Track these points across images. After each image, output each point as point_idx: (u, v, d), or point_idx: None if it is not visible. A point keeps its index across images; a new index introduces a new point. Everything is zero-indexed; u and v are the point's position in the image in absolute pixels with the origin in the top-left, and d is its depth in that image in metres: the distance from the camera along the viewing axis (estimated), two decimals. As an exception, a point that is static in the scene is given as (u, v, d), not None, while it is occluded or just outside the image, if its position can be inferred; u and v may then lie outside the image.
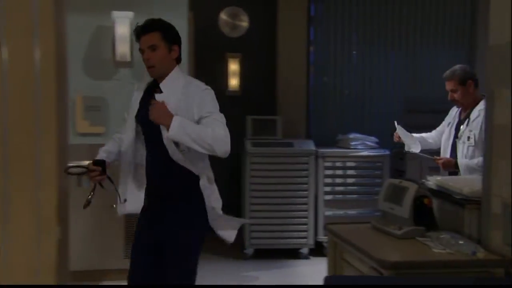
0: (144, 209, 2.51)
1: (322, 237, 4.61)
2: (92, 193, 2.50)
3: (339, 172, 4.78)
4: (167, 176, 2.40)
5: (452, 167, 3.32)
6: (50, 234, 2.65)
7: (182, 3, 4.03)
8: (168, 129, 2.22)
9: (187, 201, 2.42)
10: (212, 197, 2.49)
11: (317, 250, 4.69)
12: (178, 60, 2.46)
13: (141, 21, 3.83)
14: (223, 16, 5.25)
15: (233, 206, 5.11)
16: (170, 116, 2.23)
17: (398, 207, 2.46)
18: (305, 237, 4.70)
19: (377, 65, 5.38)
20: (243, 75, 5.26)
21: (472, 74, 3.37)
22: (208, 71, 5.12)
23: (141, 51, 2.41)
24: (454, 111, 3.52)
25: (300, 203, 4.69)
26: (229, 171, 5.19)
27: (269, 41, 5.29)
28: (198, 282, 3.95)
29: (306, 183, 4.68)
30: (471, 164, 3.18)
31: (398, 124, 3.67)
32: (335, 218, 4.51)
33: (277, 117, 5.05)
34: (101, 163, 2.45)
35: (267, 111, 5.21)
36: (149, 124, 2.33)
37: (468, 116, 3.33)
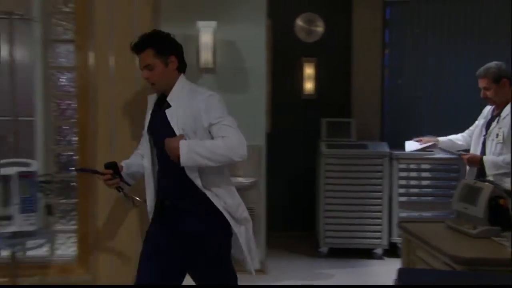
0: (155, 216, 2.44)
1: (397, 238, 4.65)
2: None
3: (414, 174, 4.78)
4: (178, 185, 2.33)
5: (477, 163, 3.31)
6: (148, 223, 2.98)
7: (261, 11, 4.24)
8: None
9: (199, 209, 2.33)
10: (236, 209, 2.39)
11: (392, 251, 4.73)
12: (180, 69, 2.37)
13: (223, 30, 4.21)
14: (299, 22, 5.44)
15: (307, 206, 5.31)
16: (177, 146, 2.16)
17: (472, 207, 2.50)
18: (379, 238, 4.76)
19: (452, 67, 5.30)
20: (318, 79, 5.41)
21: (507, 73, 3.32)
22: (284, 75, 5.33)
23: (141, 69, 2.35)
24: (487, 109, 3.50)
25: (374, 204, 4.75)
26: (303, 171, 5.37)
27: (344, 45, 5.40)
28: (272, 278, 4.17)
29: (380, 185, 4.75)
30: (496, 161, 3.19)
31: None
32: (410, 220, 4.52)
33: (351, 120, 5.16)
34: (112, 166, 2.36)
35: (341, 113, 5.33)
36: (158, 136, 2.33)
37: (499, 114, 3.31)
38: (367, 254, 4.78)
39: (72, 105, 3.15)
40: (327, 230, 4.80)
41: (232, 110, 4.19)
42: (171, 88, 2.34)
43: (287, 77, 5.36)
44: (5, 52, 2.96)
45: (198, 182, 2.27)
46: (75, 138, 3.12)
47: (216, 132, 2.23)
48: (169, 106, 2.32)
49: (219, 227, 2.34)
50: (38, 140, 3.10)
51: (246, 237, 2.43)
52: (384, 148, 4.82)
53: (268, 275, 4.28)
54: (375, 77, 5.35)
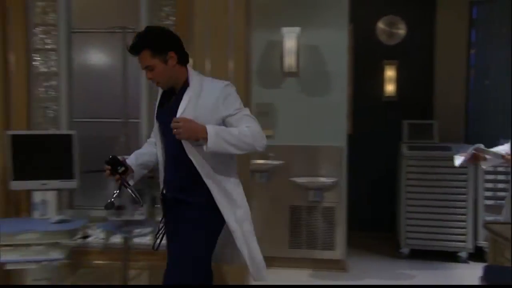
0: (162, 203, 2.44)
1: (482, 242, 4.56)
2: (114, 193, 2.33)
3: (501, 177, 4.66)
4: (178, 177, 2.29)
5: None
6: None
7: (343, 17, 4.37)
8: (206, 143, 2.12)
9: (198, 197, 2.27)
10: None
11: (478, 255, 4.63)
12: (181, 62, 2.28)
13: (306, 35, 4.38)
14: (380, 25, 5.49)
15: (388, 207, 5.33)
16: (203, 128, 2.12)
17: None
18: (463, 241, 4.69)
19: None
20: (400, 81, 5.42)
21: None
22: (366, 78, 5.39)
23: (142, 69, 2.30)
24: None
25: (458, 206, 4.69)
26: (385, 173, 5.40)
27: (426, 46, 5.37)
28: (353, 277, 4.26)
29: (464, 187, 4.68)
30: None
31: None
32: (496, 222, 4.42)
33: (433, 121, 5.12)
34: (111, 161, 2.24)
35: (423, 115, 5.30)
36: (164, 124, 2.29)
37: None
38: (451, 257, 4.72)
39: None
40: (408, 232, 4.80)
41: (314, 112, 4.45)
42: (177, 82, 2.28)
43: (368, 79, 5.42)
44: (119, 62, 3.34)
45: (203, 171, 2.21)
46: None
47: (236, 122, 2.18)
48: (178, 98, 2.26)
49: (214, 214, 2.27)
50: (143, 139, 3.45)
51: (244, 236, 2.34)
52: (468, 150, 4.73)
53: (348, 273, 4.39)
54: (460, 78, 5.26)
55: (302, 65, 4.47)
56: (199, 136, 2.12)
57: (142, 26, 3.36)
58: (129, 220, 2.96)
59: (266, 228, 4.46)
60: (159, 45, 2.20)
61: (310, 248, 4.48)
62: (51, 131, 3.43)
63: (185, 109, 2.21)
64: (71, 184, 3.13)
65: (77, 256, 3.26)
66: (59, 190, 3.22)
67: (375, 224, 5.51)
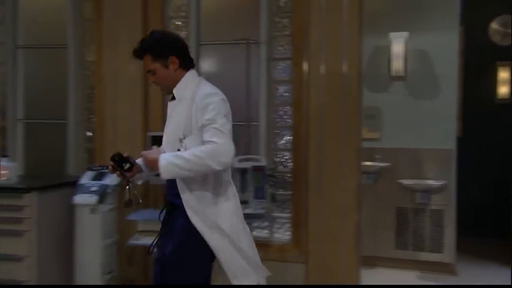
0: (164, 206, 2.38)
1: None
2: (127, 189, 2.21)
3: None
4: (174, 182, 2.21)
5: None
6: (352, 214, 3.40)
7: (454, 19, 4.35)
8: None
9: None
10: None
11: None
12: (184, 66, 2.25)
13: (414, 39, 4.42)
14: (494, 25, 5.35)
15: (501, 212, 5.15)
16: (157, 159, 2.08)
17: None
18: None
19: None
20: (514, 83, 5.25)
21: None
22: (476, 80, 5.28)
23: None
24: None
25: None
26: (497, 176, 5.25)
27: (543, 46, 5.15)
28: (462, 281, 4.17)
29: None
30: None
31: None
32: None
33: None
34: (114, 158, 2.17)
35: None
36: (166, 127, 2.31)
37: None
38: None
39: (288, 112, 3.73)
40: (523, 238, 4.64)
41: (421, 115, 4.50)
42: None
43: (479, 81, 5.30)
44: (242, 70, 3.67)
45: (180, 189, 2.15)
46: (290, 139, 3.70)
47: (204, 134, 2.11)
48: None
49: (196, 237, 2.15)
50: (261, 140, 3.75)
51: (226, 254, 2.18)
52: None
53: (458, 277, 4.35)
54: None
55: (410, 69, 4.53)
56: (154, 168, 2.12)
57: (261, 36, 3.69)
58: (250, 214, 3.25)
59: (371, 228, 4.56)
60: (159, 49, 2.20)
61: (417, 250, 4.51)
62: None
63: (171, 115, 2.25)
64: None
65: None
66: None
67: (488, 229, 5.35)
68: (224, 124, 2.11)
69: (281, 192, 3.72)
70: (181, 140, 2.18)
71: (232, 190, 2.25)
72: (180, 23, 3.92)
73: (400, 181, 4.49)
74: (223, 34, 3.85)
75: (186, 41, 2.20)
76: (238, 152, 3.55)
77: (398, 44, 4.53)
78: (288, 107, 3.73)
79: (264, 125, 3.75)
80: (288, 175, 3.71)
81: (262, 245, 3.60)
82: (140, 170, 2.23)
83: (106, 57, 3.83)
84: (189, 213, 2.14)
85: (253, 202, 3.23)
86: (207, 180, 2.16)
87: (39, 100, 4.22)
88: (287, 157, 3.76)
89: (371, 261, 4.54)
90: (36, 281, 3.23)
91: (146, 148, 3.52)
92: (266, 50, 3.70)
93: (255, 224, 3.54)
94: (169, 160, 2.07)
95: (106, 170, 2.85)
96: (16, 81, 4.18)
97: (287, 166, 3.75)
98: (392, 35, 4.53)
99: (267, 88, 3.74)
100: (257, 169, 3.24)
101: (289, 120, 3.72)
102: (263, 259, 3.59)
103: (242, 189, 3.25)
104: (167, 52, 2.20)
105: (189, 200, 2.15)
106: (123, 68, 3.75)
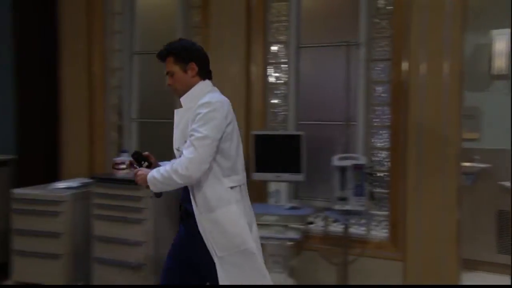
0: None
1: None
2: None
3: None
4: (187, 188, 2.29)
5: None
6: (452, 214, 3.39)
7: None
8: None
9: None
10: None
11: None
12: (202, 75, 2.34)
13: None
14: None
15: None
16: (146, 176, 2.23)
17: None
18: None
19: None
20: None
21: None
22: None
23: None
24: None
25: None
26: None
27: None
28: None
29: None
30: None
31: None
32: None
33: None
34: (133, 156, 2.35)
35: None
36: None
37: None
38: None
39: (386, 111, 3.79)
40: None
41: None
42: None
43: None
44: (342, 72, 3.78)
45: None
46: (387, 138, 3.76)
47: (186, 145, 2.18)
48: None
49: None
50: (359, 139, 3.85)
51: (229, 276, 2.24)
52: None
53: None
54: None
55: (514, 67, 4.38)
56: (143, 183, 2.27)
57: (361, 38, 3.78)
58: (349, 210, 3.36)
59: (470, 230, 4.45)
60: (182, 53, 2.29)
61: (520, 255, 4.35)
62: (284, 132, 3.99)
63: (178, 123, 2.32)
64: (299, 177, 3.65)
65: (302, 239, 3.80)
66: (289, 182, 3.80)
67: None
68: (202, 138, 2.12)
69: (378, 190, 3.79)
70: (178, 150, 2.28)
71: (235, 197, 2.25)
72: (280, 26, 4.11)
73: (502, 183, 4.35)
74: (323, 37, 3.98)
75: (284, 45, 2.31)
76: (337, 150, 3.70)
77: (500, 42, 4.42)
78: (386, 107, 3.79)
79: (362, 124, 3.83)
80: (386, 173, 3.76)
81: (359, 241, 3.72)
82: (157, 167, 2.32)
83: (211, 61, 4.08)
84: (197, 218, 2.23)
85: (353, 199, 3.33)
86: (209, 186, 2.20)
87: (151, 101, 4.61)
88: (384, 156, 3.82)
89: (471, 265, 4.43)
90: (153, 263, 3.58)
91: (250, 146, 3.75)
92: (365, 51, 3.79)
93: (353, 221, 3.64)
94: (152, 174, 2.22)
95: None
96: (131, 85, 4.61)
97: (384, 165, 3.81)
98: (494, 32, 4.42)
99: (366, 89, 3.82)
100: (357, 167, 3.34)
101: (387, 120, 3.77)
102: (360, 256, 3.72)
103: (341, 186, 3.37)
104: (188, 58, 2.30)
105: (198, 206, 2.22)
106: (227, 70, 3.99)
